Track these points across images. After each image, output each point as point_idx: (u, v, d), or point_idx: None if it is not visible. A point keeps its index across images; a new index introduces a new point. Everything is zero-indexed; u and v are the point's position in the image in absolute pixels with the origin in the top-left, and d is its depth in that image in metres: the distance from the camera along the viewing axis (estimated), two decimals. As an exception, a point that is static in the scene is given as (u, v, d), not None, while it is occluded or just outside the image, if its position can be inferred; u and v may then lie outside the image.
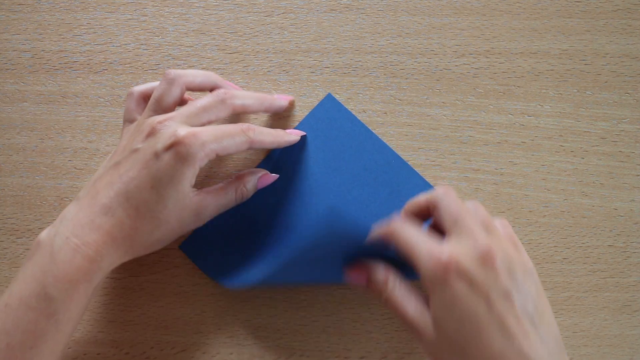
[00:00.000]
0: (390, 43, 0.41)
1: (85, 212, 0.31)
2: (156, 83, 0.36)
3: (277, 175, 0.38)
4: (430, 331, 0.29)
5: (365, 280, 0.33)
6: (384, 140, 0.39)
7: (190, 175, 0.32)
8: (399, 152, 0.39)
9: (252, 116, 0.40)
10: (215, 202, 0.34)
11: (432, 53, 0.41)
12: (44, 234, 0.31)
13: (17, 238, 0.40)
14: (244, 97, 0.35)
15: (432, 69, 0.40)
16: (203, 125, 0.33)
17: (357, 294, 0.38)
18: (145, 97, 0.36)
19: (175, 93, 0.34)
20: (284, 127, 0.40)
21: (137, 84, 0.41)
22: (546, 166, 0.40)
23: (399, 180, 0.38)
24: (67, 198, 0.40)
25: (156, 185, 0.31)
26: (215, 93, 0.34)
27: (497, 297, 0.28)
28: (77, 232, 0.30)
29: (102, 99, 0.41)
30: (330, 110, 0.39)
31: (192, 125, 0.33)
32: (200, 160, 0.32)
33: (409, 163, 0.39)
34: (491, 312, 0.28)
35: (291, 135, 0.37)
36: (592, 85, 0.40)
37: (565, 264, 0.39)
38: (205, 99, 0.34)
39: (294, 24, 0.41)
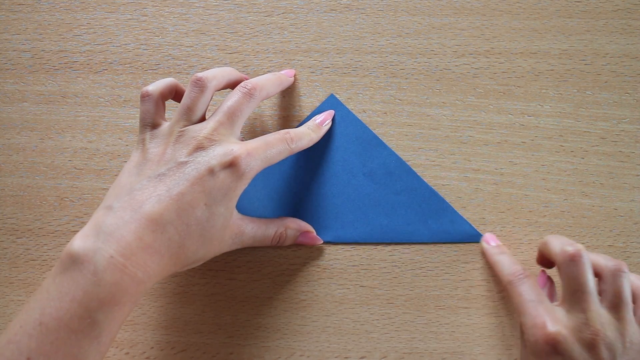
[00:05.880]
0: (390, 43, 0.41)
1: (129, 228, 0.29)
2: (166, 80, 0.34)
3: (321, 240, 0.38)
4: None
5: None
6: (384, 141, 0.39)
7: (240, 192, 0.32)
8: (399, 152, 0.39)
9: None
10: (252, 231, 0.35)
11: (432, 53, 0.41)
12: (78, 247, 0.28)
13: (17, 238, 0.40)
14: (265, 86, 0.34)
15: (432, 69, 0.40)
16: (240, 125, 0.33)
17: (357, 294, 0.38)
18: (164, 98, 0.34)
19: (207, 99, 0.33)
20: (285, 127, 0.40)
21: (137, 84, 0.41)
22: (546, 166, 0.40)
23: (398, 181, 0.38)
24: (67, 198, 0.40)
25: (210, 202, 0.30)
26: (242, 90, 0.33)
27: None
28: (123, 250, 0.28)
29: (102, 99, 0.41)
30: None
31: (234, 129, 0.33)
32: (252, 177, 0.32)
33: (409, 163, 0.39)
34: None
35: (323, 128, 0.38)
36: (592, 85, 0.40)
37: (565, 264, 0.39)
38: (236, 100, 0.33)
39: (294, 24, 0.41)
